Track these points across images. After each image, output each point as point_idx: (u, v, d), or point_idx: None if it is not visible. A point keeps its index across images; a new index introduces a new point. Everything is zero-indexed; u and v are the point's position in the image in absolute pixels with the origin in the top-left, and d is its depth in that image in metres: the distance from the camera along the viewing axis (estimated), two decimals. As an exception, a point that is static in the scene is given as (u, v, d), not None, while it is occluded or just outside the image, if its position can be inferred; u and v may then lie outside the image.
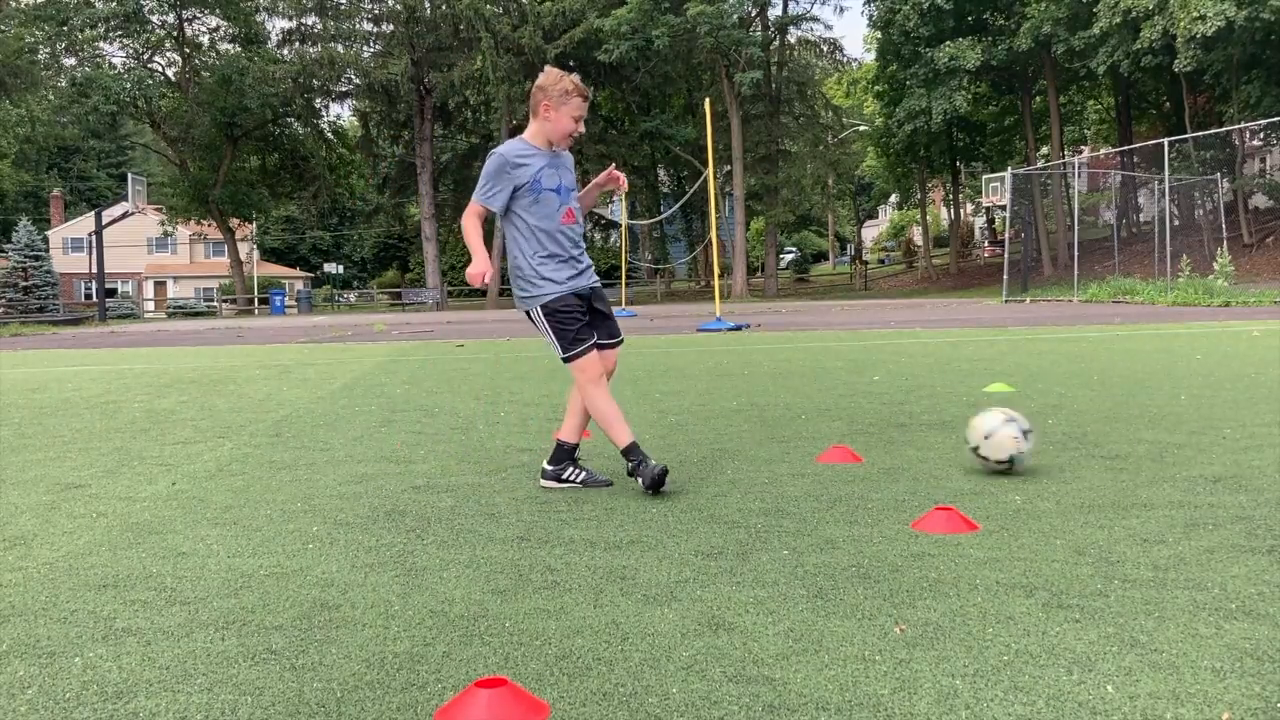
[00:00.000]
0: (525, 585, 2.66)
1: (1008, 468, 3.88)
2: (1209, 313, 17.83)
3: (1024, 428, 3.87)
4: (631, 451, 3.78)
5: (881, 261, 68.91)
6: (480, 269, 3.71)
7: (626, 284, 34.27)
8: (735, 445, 4.82)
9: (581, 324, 3.84)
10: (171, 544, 3.19)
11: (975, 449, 3.92)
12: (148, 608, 2.54)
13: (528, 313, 3.89)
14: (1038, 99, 41.91)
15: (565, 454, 3.94)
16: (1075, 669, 2.00)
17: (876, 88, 43.85)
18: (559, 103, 3.76)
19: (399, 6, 44.26)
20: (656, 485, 3.70)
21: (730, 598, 2.51)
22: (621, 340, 4.08)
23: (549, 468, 3.96)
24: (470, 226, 3.86)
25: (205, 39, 47.84)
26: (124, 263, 59.13)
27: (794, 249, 75.14)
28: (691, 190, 45.21)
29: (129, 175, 36.61)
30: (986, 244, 56.97)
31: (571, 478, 3.92)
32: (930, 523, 3.13)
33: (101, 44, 44.54)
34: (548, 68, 3.89)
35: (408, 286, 57.34)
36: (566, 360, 3.84)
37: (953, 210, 50.97)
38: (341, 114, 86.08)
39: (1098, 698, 1.86)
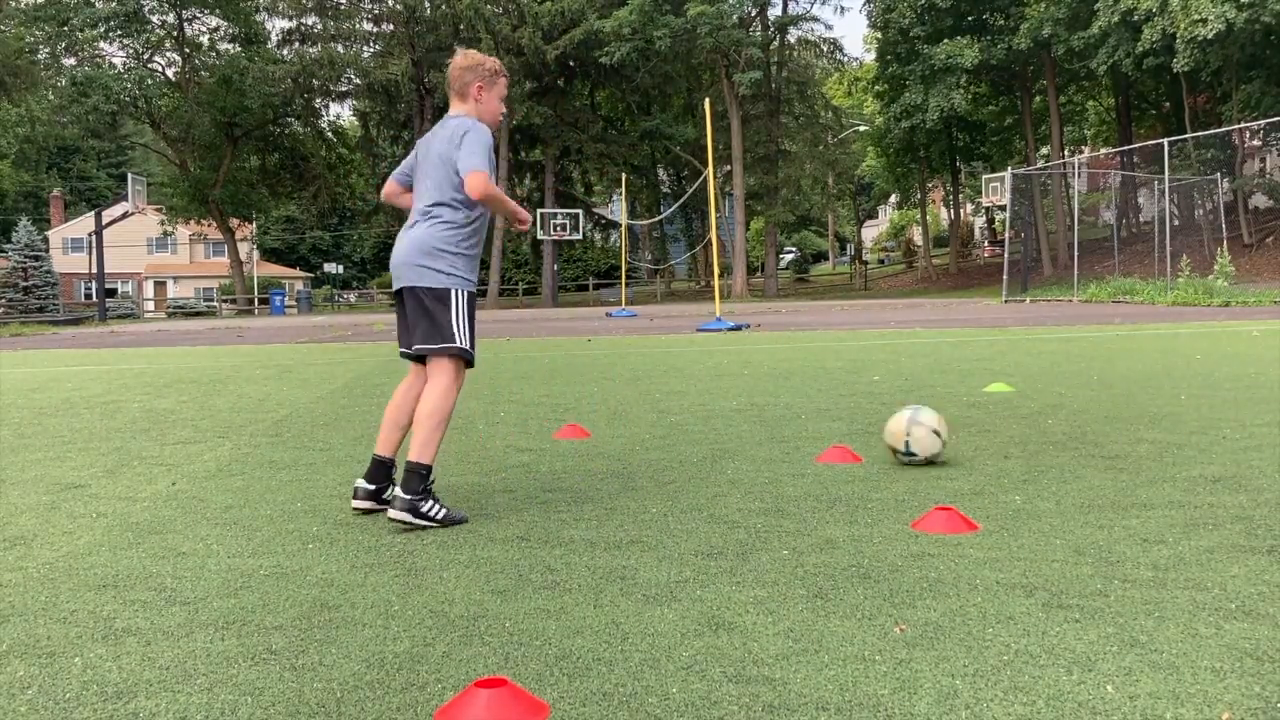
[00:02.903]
0: (525, 585, 2.66)
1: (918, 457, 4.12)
2: (1209, 313, 17.83)
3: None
4: (420, 480, 3.33)
5: (881, 261, 68.89)
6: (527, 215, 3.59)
7: (626, 284, 34.26)
8: (735, 445, 4.82)
9: None
10: (171, 544, 3.19)
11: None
12: (148, 608, 2.54)
13: (440, 290, 3.44)
14: (1037, 99, 41.90)
15: (424, 477, 3.35)
16: (1075, 669, 2.00)
17: (876, 88, 43.85)
18: (490, 84, 3.58)
19: (399, 6, 44.25)
20: (403, 513, 3.27)
21: (730, 598, 2.51)
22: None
23: (403, 495, 3.31)
24: (491, 187, 3.41)
25: (205, 39, 47.82)
26: (124, 263, 59.10)
27: (794, 249, 75.07)
28: (691, 190, 45.19)
29: (129, 175, 36.53)
30: (986, 244, 56.93)
31: (434, 513, 3.32)
32: (930, 523, 3.13)
33: (101, 44, 44.52)
34: (464, 49, 3.68)
35: (408, 286, 57.18)
36: (466, 355, 3.48)
37: (952, 210, 50.94)
38: (341, 114, 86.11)
39: (1098, 698, 1.86)
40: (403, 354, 3.62)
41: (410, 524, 3.29)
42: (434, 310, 3.44)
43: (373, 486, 3.54)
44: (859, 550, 2.91)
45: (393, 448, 3.58)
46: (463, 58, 3.59)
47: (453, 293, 3.46)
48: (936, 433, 4.08)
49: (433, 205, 3.49)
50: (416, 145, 3.70)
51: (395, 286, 3.56)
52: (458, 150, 3.43)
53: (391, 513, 3.31)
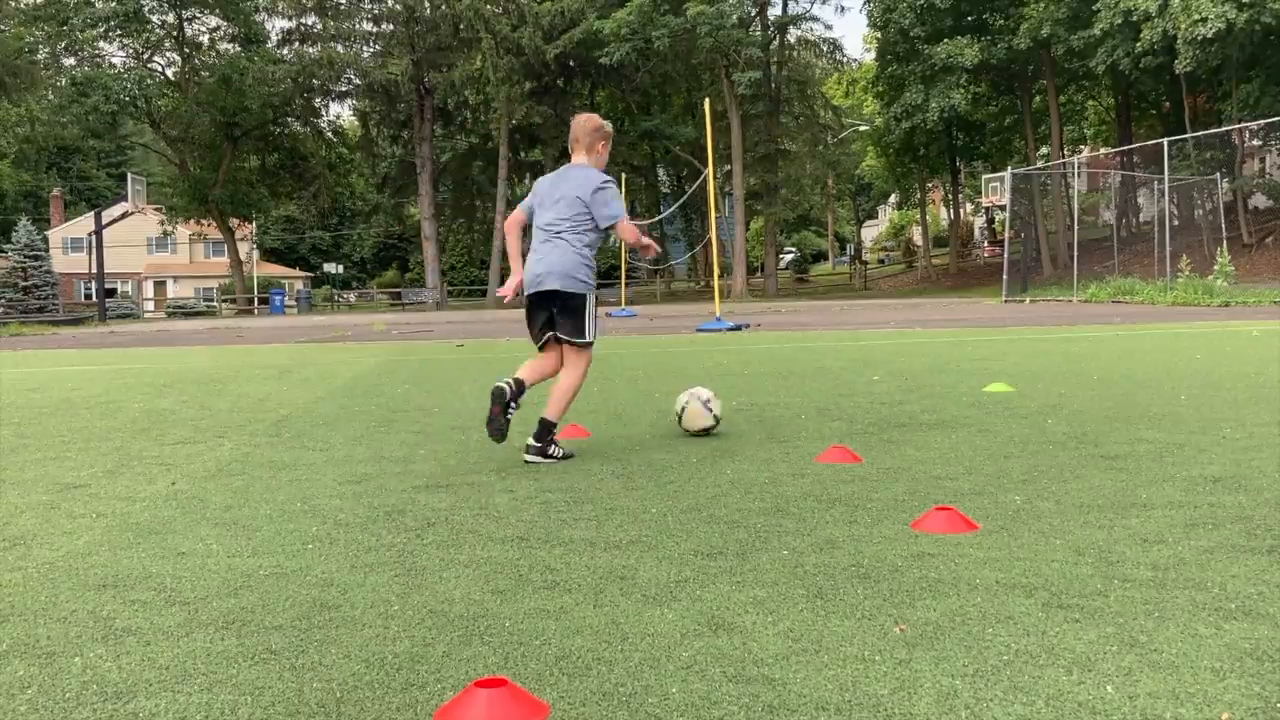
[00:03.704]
0: (525, 585, 2.66)
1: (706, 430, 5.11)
2: (1209, 313, 17.83)
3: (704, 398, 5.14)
4: (547, 433, 4.55)
5: (881, 261, 68.91)
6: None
7: (626, 284, 34.24)
8: (735, 445, 4.82)
9: None
10: (171, 544, 3.19)
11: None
12: (148, 608, 2.54)
13: (577, 296, 4.63)
14: (1037, 98, 41.89)
15: (550, 431, 4.57)
16: (1075, 669, 2.00)
17: (876, 88, 43.85)
18: (608, 143, 4.83)
19: (399, 6, 44.24)
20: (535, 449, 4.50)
21: (730, 598, 2.51)
22: None
23: (535, 443, 4.52)
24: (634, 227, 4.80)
25: (205, 39, 47.81)
26: (124, 263, 59.08)
27: (794, 249, 75.08)
28: (691, 190, 45.19)
29: (129, 175, 36.57)
30: (986, 244, 56.94)
31: (555, 453, 4.54)
32: (930, 523, 3.13)
33: (101, 44, 44.50)
34: (592, 115, 4.88)
35: (407, 286, 57.32)
36: (591, 344, 4.69)
37: (952, 210, 50.95)
38: (341, 114, 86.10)
39: (1098, 698, 1.86)
40: (538, 342, 4.79)
41: (541, 462, 4.48)
42: (578, 311, 4.64)
43: (537, 443, 4.55)
44: (859, 550, 2.91)
45: (531, 381, 4.63)
46: (589, 120, 4.79)
47: (588, 298, 4.67)
48: (708, 405, 5.10)
49: (573, 235, 4.64)
50: (537, 184, 4.88)
51: (540, 289, 4.64)
52: (593, 197, 4.63)
53: (528, 456, 4.50)
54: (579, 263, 4.64)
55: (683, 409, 5.13)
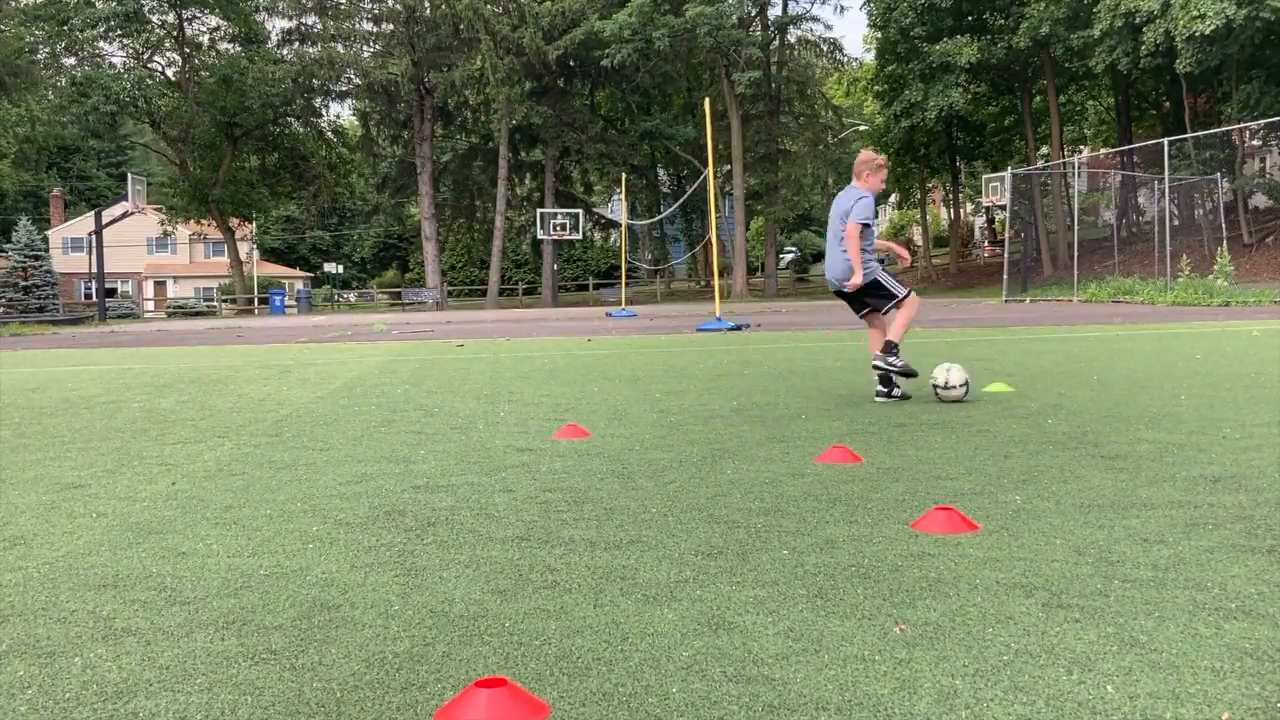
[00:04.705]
0: (525, 585, 2.66)
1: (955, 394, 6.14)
2: (1209, 313, 17.83)
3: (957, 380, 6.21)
4: (891, 349, 6.23)
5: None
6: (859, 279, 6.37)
7: (626, 284, 34.24)
8: (735, 445, 4.82)
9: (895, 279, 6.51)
10: (171, 544, 3.18)
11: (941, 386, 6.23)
12: (148, 608, 2.54)
13: (868, 281, 6.32)
14: (1037, 98, 41.90)
15: (893, 348, 6.27)
16: (1075, 669, 2.00)
17: (876, 87, 43.85)
18: (874, 171, 6.37)
19: (399, 6, 44.24)
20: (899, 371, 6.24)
21: (730, 598, 2.51)
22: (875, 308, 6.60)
23: (883, 353, 6.22)
24: (857, 237, 6.28)
25: (205, 39, 47.83)
26: (124, 263, 59.07)
27: (794, 249, 75.03)
28: (691, 190, 45.19)
29: (129, 175, 36.51)
30: (986, 244, 56.94)
31: (894, 363, 6.19)
32: (930, 523, 3.13)
33: (101, 44, 44.52)
34: (867, 150, 6.73)
35: (408, 286, 57.31)
36: (899, 302, 6.38)
37: (952, 210, 50.95)
38: (341, 114, 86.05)
39: (1098, 698, 1.86)
40: (861, 316, 6.67)
41: (882, 368, 6.23)
42: (876, 291, 6.43)
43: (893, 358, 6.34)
44: (859, 550, 2.91)
45: (895, 334, 6.38)
46: (863, 154, 6.45)
47: (874, 277, 6.37)
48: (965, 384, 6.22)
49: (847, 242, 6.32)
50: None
51: (837, 290, 6.54)
52: (852, 207, 6.26)
53: (875, 361, 6.29)
54: (849, 263, 6.28)
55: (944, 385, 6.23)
